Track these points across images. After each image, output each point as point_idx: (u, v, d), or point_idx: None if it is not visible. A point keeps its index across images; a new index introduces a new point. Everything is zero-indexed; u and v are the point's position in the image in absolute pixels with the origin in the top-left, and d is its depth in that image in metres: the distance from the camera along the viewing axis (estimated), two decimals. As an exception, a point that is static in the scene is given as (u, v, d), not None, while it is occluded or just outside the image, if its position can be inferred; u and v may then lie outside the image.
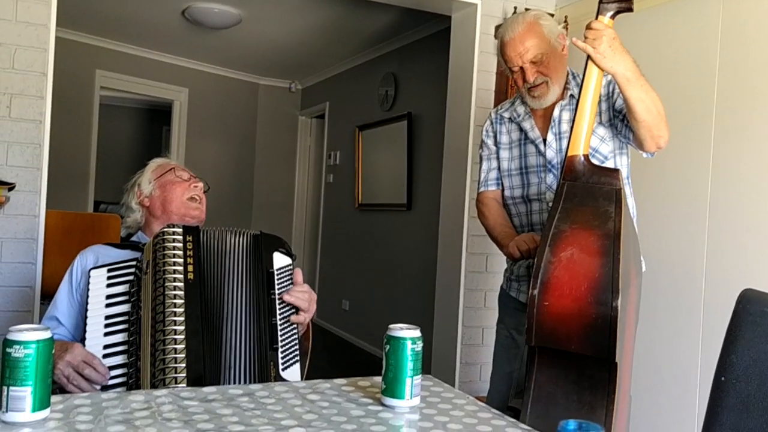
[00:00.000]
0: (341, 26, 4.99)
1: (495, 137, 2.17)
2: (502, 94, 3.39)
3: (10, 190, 2.64)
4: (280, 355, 1.53)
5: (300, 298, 1.59)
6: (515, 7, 3.39)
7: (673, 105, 2.68)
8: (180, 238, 1.59)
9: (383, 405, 1.14)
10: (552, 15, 3.36)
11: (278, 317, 1.56)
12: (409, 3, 3.65)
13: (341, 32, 5.16)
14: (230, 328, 1.55)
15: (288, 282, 1.62)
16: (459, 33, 3.64)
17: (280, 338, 1.55)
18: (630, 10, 1.71)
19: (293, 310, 1.59)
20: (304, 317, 1.59)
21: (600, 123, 1.98)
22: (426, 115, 4.88)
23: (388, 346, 1.14)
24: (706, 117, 2.64)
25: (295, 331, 1.59)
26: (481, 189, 2.22)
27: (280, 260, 1.62)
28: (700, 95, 2.68)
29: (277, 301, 1.57)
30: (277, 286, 1.58)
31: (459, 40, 3.63)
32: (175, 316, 1.49)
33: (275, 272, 1.59)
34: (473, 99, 3.45)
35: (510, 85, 3.33)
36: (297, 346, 1.58)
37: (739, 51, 2.55)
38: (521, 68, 1.96)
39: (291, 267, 1.64)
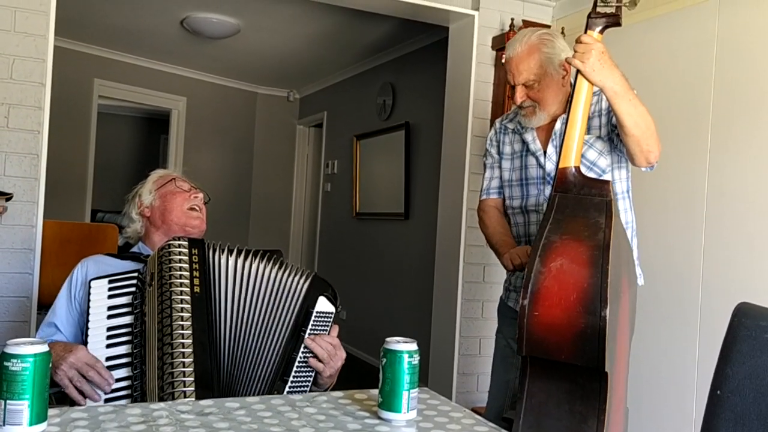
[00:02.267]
0: (339, 36, 5.01)
1: (498, 147, 2.20)
2: (499, 105, 3.40)
3: (7, 200, 2.63)
4: (286, 389, 1.55)
5: (322, 347, 1.59)
6: (512, 19, 3.41)
7: (669, 117, 2.69)
8: (186, 251, 1.59)
9: (380, 418, 1.15)
10: (548, 26, 3.37)
11: (300, 354, 1.57)
12: (406, 14, 3.67)
13: (339, 42, 5.17)
14: (254, 347, 1.56)
15: (322, 329, 1.62)
16: (456, 44, 3.65)
17: (293, 373, 1.56)
18: (618, 24, 1.73)
19: (314, 356, 1.60)
20: (321, 367, 1.59)
21: (599, 137, 2.00)
22: (423, 125, 4.90)
23: (384, 360, 1.15)
24: (702, 129, 2.65)
25: (311, 375, 1.60)
26: (483, 197, 2.24)
27: (323, 305, 1.62)
28: (696, 107, 2.69)
29: (304, 341, 1.59)
30: (310, 327, 1.59)
31: (456, 50, 3.65)
32: (182, 329, 1.49)
33: (314, 313, 1.60)
34: (470, 109, 3.46)
35: (507, 95, 3.35)
36: (306, 388, 1.59)
37: (735, 63, 2.56)
38: (514, 86, 2.02)
39: (331, 315, 1.64)
